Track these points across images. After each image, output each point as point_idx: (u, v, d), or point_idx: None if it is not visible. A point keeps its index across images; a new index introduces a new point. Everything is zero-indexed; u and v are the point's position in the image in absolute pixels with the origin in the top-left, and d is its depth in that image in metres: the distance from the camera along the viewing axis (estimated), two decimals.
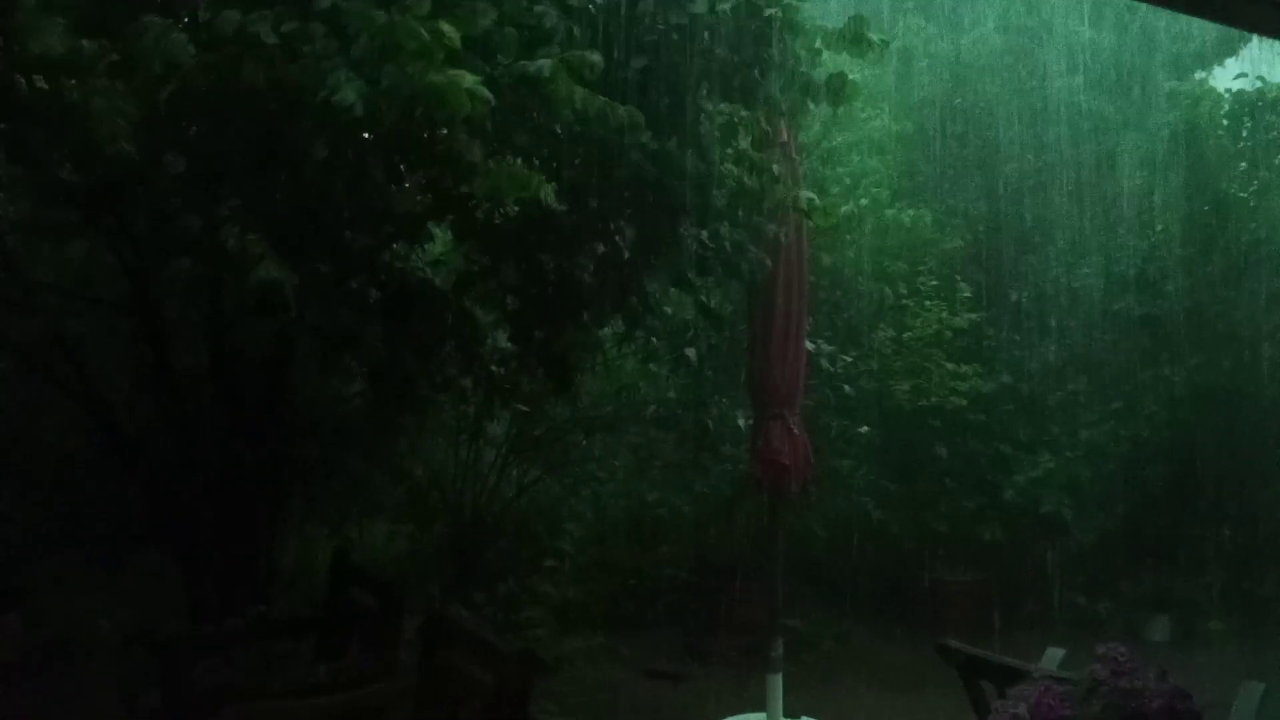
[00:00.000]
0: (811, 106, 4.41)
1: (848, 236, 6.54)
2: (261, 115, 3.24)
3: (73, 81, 3.05)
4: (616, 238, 4.13)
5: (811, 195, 4.98)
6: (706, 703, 5.40)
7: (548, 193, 3.29)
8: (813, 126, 6.54)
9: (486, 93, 3.01)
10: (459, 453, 6.16)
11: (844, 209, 6.38)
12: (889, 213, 6.60)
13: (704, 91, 3.95)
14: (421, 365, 4.29)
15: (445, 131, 3.19)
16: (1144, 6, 7.23)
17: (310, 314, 3.43)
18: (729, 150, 4.20)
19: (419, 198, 4.29)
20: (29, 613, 4.45)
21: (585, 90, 3.31)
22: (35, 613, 4.46)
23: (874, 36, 4.20)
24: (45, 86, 3.19)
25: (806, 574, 6.45)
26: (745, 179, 4.22)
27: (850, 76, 4.24)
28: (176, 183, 3.33)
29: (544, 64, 3.20)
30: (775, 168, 4.33)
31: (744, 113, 4.18)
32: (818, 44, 4.15)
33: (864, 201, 6.44)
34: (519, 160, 3.85)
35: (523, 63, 3.28)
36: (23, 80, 3.22)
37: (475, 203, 4.23)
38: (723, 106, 4.11)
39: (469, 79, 2.97)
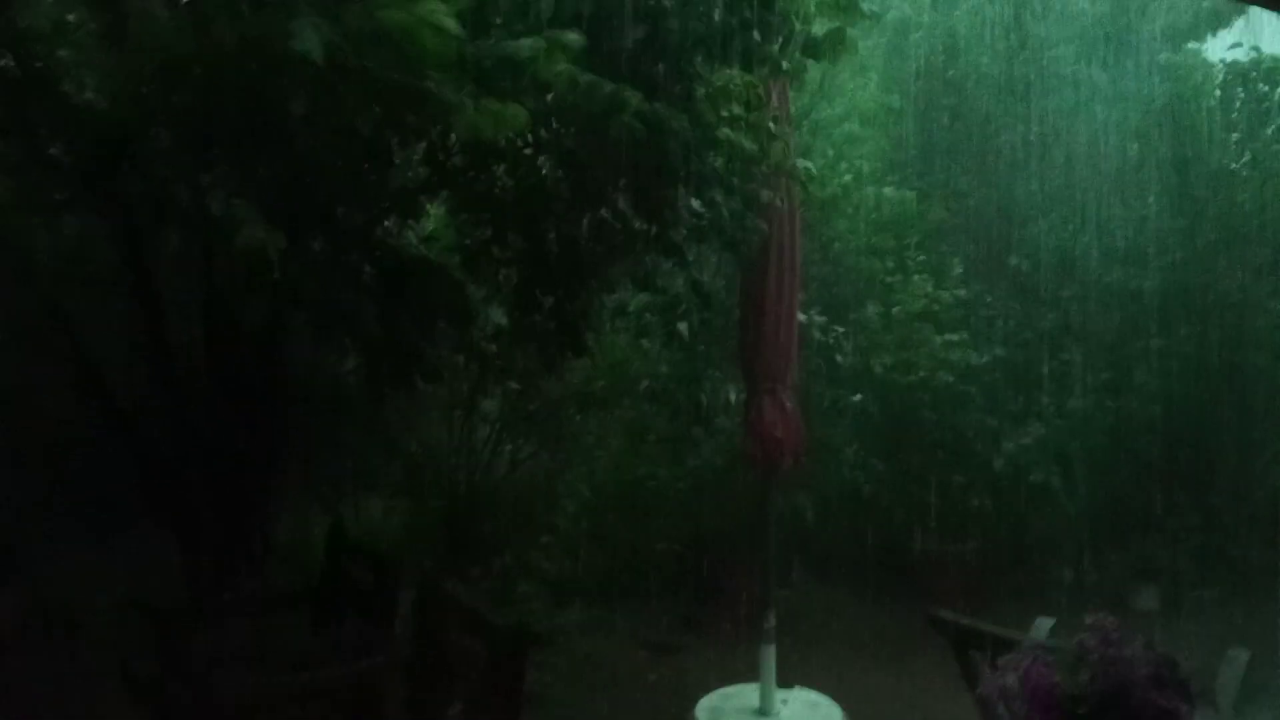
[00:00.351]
0: (810, 65, 4.37)
1: (835, 210, 6.52)
2: (242, 77, 3.20)
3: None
4: (617, 203, 4.11)
5: (808, 164, 4.96)
6: (700, 673, 5.45)
7: (524, 121, 3.16)
8: (801, 98, 6.50)
9: (454, 26, 2.90)
10: (453, 428, 6.18)
11: (833, 183, 6.35)
12: (871, 189, 6.57)
13: (700, 56, 3.91)
14: (425, 339, 4.29)
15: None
16: None
17: (306, 289, 3.41)
18: (724, 115, 4.17)
19: (410, 174, 4.29)
20: (25, 586, 4.47)
21: (571, 67, 3.27)
22: (31, 586, 4.48)
23: (865, 6, 4.18)
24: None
25: (799, 546, 6.50)
26: (743, 142, 4.20)
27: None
28: (166, 153, 3.30)
29: (524, 44, 3.10)
30: (771, 126, 4.31)
31: (741, 76, 4.15)
32: (811, 6, 4.11)
33: (848, 177, 6.41)
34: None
35: (504, 43, 3.23)
36: (9, 54, 3.20)
37: (473, 174, 4.22)
38: (721, 69, 4.08)
39: (433, 9, 2.86)
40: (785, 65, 4.14)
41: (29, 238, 4.02)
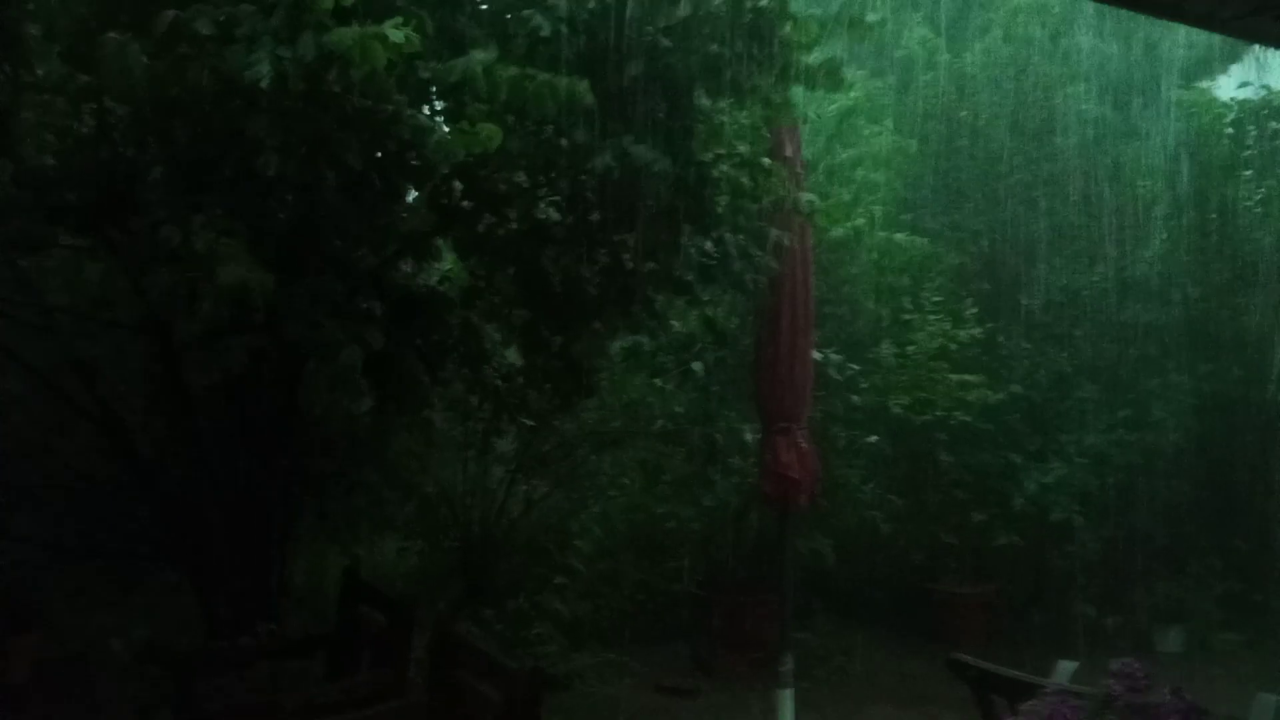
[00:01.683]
0: (807, 93, 4.38)
1: (850, 251, 6.53)
2: (221, 116, 3.24)
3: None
4: (621, 246, 4.12)
5: (813, 197, 4.97)
6: (717, 718, 5.38)
7: (495, 138, 3.18)
8: (817, 142, 6.54)
9: (401, 36, 2.91)
10: (468, 469, 6.17)
11: (846, 225, 6.38)
12: (883, 234, 6.60)
13: (699, 91, 3.93)
14: (426, 370, 4.29)
15: (394, 107, 3.15)
16: (1148, 16, 7.25)
17: (292, 328, 3.42)
18: (724, 152, 4.20)
19: (421, 216, 4.33)
20: (42, 632, 4.47)
21: (518, 70, 3.21)
22: (50, 631, 4.47)
23: (871, 18, 4.19)
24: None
25: (816, 587, 6.44)
26: (742, 179, 4.22)
27: (852, 87, 4.26)
28: (159, 195, 3.34)
29: (346, 32, 2.95)
30: (766, 161, 4.33)
31: (739, 110, 4.16)
32: (813, 33, 4.13)
33: (861, 220, 6.45)
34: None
35: (449, 63, 3.18)
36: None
37: (477, 215, 4.25)
38: (720, 104, 4.09)
39: (380, 29, 2.88)
40: (777, 99, 4.15)
41: (50, 284, 4.07)
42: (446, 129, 3.21)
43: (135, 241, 3.45)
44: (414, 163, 3.57)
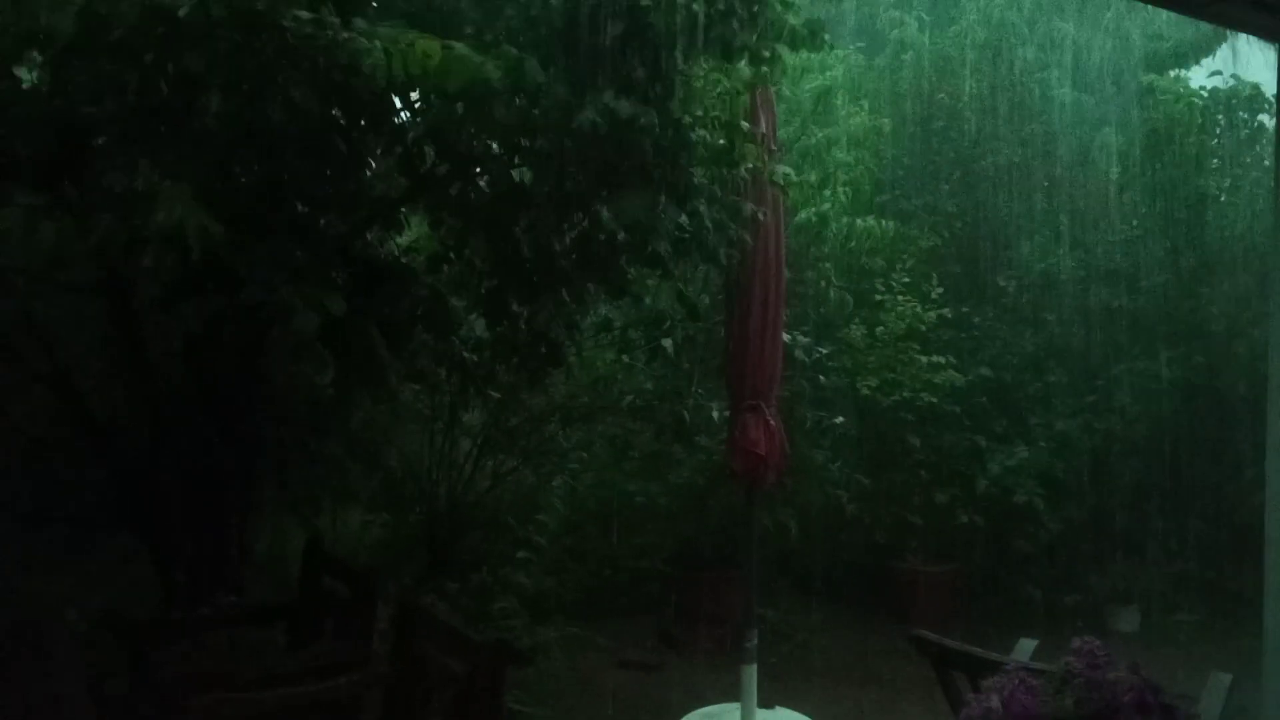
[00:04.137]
0: (789, 54, 4.31)
1: (823, 230, 6.53)
2: (168, 56, 3.13)
3: None
4: (595, 214, 4.05)
5: (788, 170, 4.93)
6: (681, 693, 5.40)
7: (435, 55, 3.00)
8: (793, 123, 6.51)
9: None
10: (434, 442, 6.12)
11: (820, 203, 6.36)
12: (860, 220, 6.59)
13: (679, 50, 3.85)
14: (389, 342, 4.22)
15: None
16: (1122, 3, 7.29)
17: (249, 291, 3.34)
18: (699, 114, 4.13)
19: (389, 183, 4.25)
20: None
21: (445, 45, 3.07)
22: (1, 596, 4.39)
23: None
24: None
25: (781, 565, 6.47)
26: (720, 142, 4.16)
27: (828, 66, 4.22)
28: (113, 145, 3.23)
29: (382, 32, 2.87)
30: (745, 125, 4.27)
31: (727, 65, 4.10)
32: None
33: (842, 196, 6.42)
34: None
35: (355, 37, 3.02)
36: None
37: (448, 180, 4.16)
38: (700, 63, 4.02)
39: None
40: (766, 53, 4.08)
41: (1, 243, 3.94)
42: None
43: (87, 195, 3.34)
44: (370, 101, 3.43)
